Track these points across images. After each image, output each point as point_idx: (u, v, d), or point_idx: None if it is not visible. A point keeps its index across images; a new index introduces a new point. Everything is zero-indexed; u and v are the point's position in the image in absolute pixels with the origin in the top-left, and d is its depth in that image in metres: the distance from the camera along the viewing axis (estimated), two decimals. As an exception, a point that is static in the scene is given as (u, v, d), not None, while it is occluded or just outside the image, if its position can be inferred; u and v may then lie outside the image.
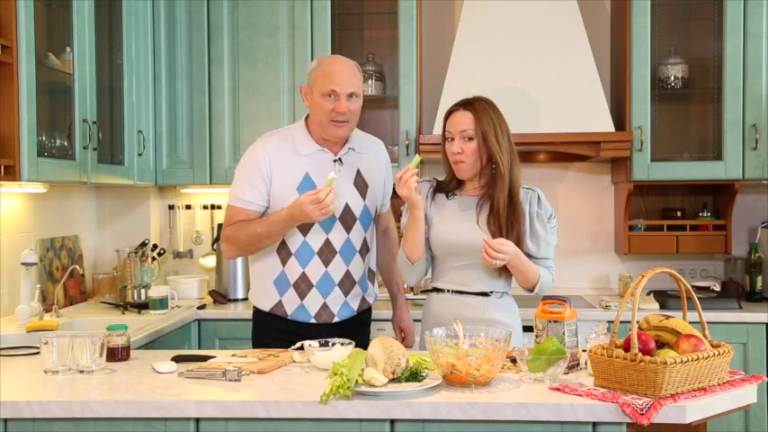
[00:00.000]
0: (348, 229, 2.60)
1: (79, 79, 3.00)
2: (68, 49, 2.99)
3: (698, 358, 1.87)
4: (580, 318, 2.27)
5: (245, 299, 3.82)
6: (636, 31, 3.63)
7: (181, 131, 3.81)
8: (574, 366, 2.12)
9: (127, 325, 2.40)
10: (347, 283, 2.61)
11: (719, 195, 3.87)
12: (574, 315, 2.19)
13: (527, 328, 2.65)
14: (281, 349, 2.41)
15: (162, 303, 3.35)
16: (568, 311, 2.17)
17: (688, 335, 1.97)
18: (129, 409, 1.91)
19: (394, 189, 2.57)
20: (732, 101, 3.60)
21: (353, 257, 2.62)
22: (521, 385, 2.00)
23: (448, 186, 2.59)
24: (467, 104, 2.51)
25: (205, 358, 2.29)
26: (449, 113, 2.56)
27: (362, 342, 2.46)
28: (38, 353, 2.32)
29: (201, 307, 3.59)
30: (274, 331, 2.64)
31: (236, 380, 2.05)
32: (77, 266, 3.50)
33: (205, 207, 4.14)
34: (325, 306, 2.60)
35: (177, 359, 2.28)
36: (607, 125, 3.57)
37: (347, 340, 2.24)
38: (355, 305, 2.66)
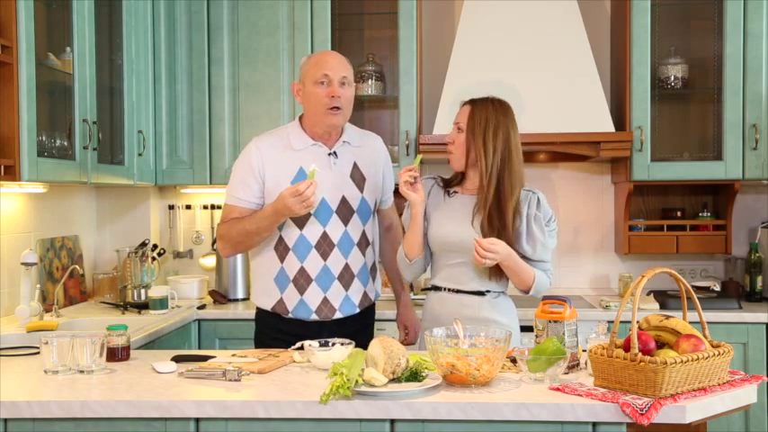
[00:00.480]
0: (345, 221, 2.61)
1: (79, 79, 3.00)
2: (68, 49, 2.99)
3: (698, 358, 1.87)
4: (580, 318, 2.27)
5: (246, 299, 3.82)
6: (636, 31, 3.63)
7: (181, 131, 3.81)
8: (574, 366, 2.12)
9: (127, 325, 2.40)
10: (347, 277, 2.62)
11: (719, 195, 3.87)
12: (574, 315, 2.19)
13: (525, 329, 2.65)
14: (281, 349, 2.41)
15: (162, 303, 3.35)
16: (568, 311, 2.17)
17: (688, 335, 1.97)
18: (129, 409, 1.91)
19: (396, 187, 2.59)
20: (732, 101, 3.60)
21: (352, 250, 2.62)
22: (521, 385, 2.00)
23: (451, 183, 2.62)
24: (473, 100, 2.54)
25: (205, 358, 2.29)
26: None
27: (366, 343, 2.46)
28: (38, 353, 2.32)
29: (201, 307, 3.59)
30: (276, 332, 2.64)
31: (236, 380, 2.05)
32: (77, 266, 3.50)
33: (205, 207, 4.14)
34: (325, 301, 2.60)
35: (177, 359, 2.28)
36: (607, 125, 3.57)
37: (347, 340, 2.24)
38: (357, 300, 2.65)
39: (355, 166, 2.66)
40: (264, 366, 2.17)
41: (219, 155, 3.78)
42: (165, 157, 3.81)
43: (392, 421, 1.91)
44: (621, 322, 2.52)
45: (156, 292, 3.36)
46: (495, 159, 2.44)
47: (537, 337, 2.21)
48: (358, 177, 2.65)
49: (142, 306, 3.41)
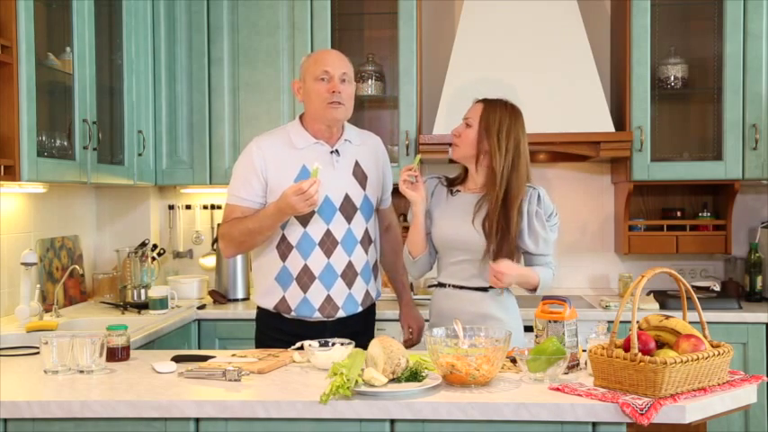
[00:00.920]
0: (349, 219, 2.61)
1: (79, 79, 3.00)
2: (68, 49, 2.99)
3: (698, 358, 1.87)
4: (580, 318, 2.27)
5: (246, 299, 3.82)
6: (636, 31, 3.63)
7: (181, 131, 3.81)
8: (574, 366, 2.12)
9: (127, 325, 2.40)
10: (350, 275, 2.62)
11: (719, 195, 3.87)
12: (574, 315, 2.19)
13: (527, 329, 2.65)
14: (281, 349, 2.41)
15: (162, 303, 3.35)
16: (568, 311, 2.17)
17: (688, 335, 1.97)
18: (129, 409, 1.91)
19: (395, 186, 2.60)
20: (732, 101, 3.60)
21: (355, 248, 2.62)
22: (520, 385, 2.00)
23: (454, 182, 2.66)
24: (486, 99, 2.59)
25: (205, 358, 2.29)
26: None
27: (367, 344, 2.45)
28: (38, 353, 2.32)
29: (201, 307, 3.59)
30: (277, 332, 2.63)
31: (236, 380, 2.05)
32: (77, 266, 3.50)
33: (205, 207, 4.14)
34: (329, 299, 2.59)
35: (177, 359, 2.28)
36: (607, 125, 3.57)
37: (347, 340, 2.25)
38: (359, 298, 2.65)
39: (357, 164, 2.66)
40: (264, 366, 2.17)
41: (219, 155, 3.78)
42: (165, 157, 3.81)
43: (392, 421, 1.91)
44: (621, 322, 2.52)
45: (155, 292, 3.36)
46: (506, 160, 2.49)
47: (537, 337, 2.22)
48: (360, 175, 2.66)
49: (142, 306, 3.41)
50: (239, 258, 3.81)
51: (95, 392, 1.99)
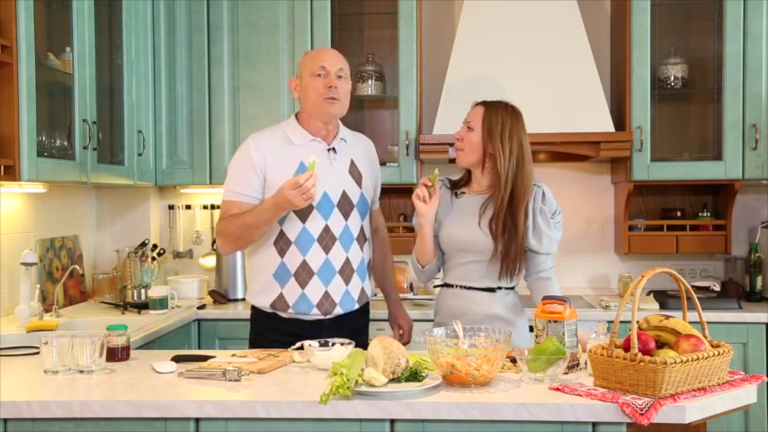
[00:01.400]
0: (346, 215, 2.62)
1: (79, 79, 3.00)
2: (68, 49, 2.98)
3: (698, 358, 1.87)
4: (580, 318, 2.27)
5: (246, 299, 3.82)
6: (636, 31, 3.63)
7: (181, 131, 3.81)
8: (574, 366, 2.12)
9: (127, 325, 2.40)
10: (347, 271, 2.62)
11: (719, 195, 3.87)
12: (574, 315, 2.19)
13: (531, 329, 2.65)
14: (281, 349, 2.40)
15: (162, 303, 3.35)
16: (568, 311, 2.17)
17: (688, 335, 1.97)
18: (129, 409, 1.91)
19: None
20: (732, 101, 3.60)
21: (352, 245, 2.64)
22: (520, 385, 2.00)
23: (459, 184, 2.68)
24: (486, 102, 2.61)
25: (205, 358, 2.29)
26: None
27: (363, 343, 2.46)
28: (38, 353, 2.32)
29: (201, 307, 3.59)
30: (273, 332, 2.63)
31: (236, 380, 2.05)
32: (77, 266, 3.50)
33: (205, 207, 4.14)
34: (326, 295, 2.59)
35: (177, 359, 2.28)
36: (607, 125, 3.57)
37: (347, 340, 2.25)
38: (356, 295, 2.66)
39: (352, 162, 2.68)
40: (264, 366, 2.17)
41: (219, 155, 3.78)
42: (165, 157, 3.81)
43: (392, 421, 1.91)
44: (621, 322, 2.52)
45: (155, 292, 3.36)
46: (511, 162, 2.52)
47: (537, 337, 2.21)
48: (356, 174, 2.68)
49: (142, 306, 3.41)
50: (239, 258, 3.81)
51: (95, 392, 1.99)
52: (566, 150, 3.63)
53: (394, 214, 4.06)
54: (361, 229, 2.68)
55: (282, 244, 2.59)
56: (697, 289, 3.59)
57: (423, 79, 3.88)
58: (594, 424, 1.87)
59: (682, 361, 1.84)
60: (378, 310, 3.01)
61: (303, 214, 2.56)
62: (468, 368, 1.94)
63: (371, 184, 2.75)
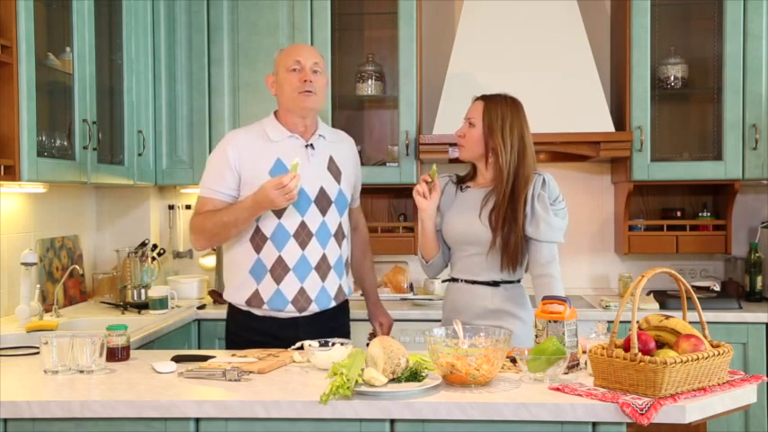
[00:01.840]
0: (323, 211, 2.63)
1: (79, 79, 3.00)
2: (68, 49, 2.98)
3: (698, 358, 1.87)
4: (580, 318, 2.27)
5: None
6: (636, 31, 3.63)
7: (181, 131, 3.81)
8: (574, 366, 2.12)
9: (127, 325, 2.40)
10: (324, 267, 2.63)
11: (719, 195, 3.87)
12: (574, 315, 2.19)
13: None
14: (281, 349, 2.40)
15: (162, 303, 3.35)
16: (568, 311, 2.17)
17: (688, 335, 1.97)
18: (129, 409, 1.91)
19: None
20: (732, 101, 3.60)
21: (329, 241, 2.64)
22: (520, 385, 2.00)
23: (465, 179, 2.70)
24: (485, 96, 2.62)
25: (205, 358, 2.29)
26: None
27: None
28: (38, 353, 2.32)
29: (201, 307, 3.59)
30: (249, 331, 2.63)
31: (236, 380, 2.06)
32: (77, 266, 3.50)
33: (205, 207, 4.13)
34: (302, 291, 2.60)
35: (177, 359, 2.28)
36: (607, 125, 3.57)
37: (347, 340, 2.25)
38: (333, 292, 2.66)
39: (331, 159, 2.69)
40: (264, 366, 2.17)
41: (219, 155, 3.77)
42: (165, 157, 3.81)
43: (392, 421, 1.91)
44: (621, 322, 2.52)
45: (155, 292, 3.36)
46: (512, 155, 2.53)
47: (537, 337, 2.21)
48: (334, 170, 2.69)
49: (142, 306, 3.40)
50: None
51: (95, 392, 1.99)
52: (566, 150, 3.63)
53: (394, 214, 4.06)
54: (340, 225, 2.68)
55: (258, 240, 2.59)
56: (697, 289, 3.59)
57: (423, 79, 3.88)
58: (594, 424, 1.87)
59: (682, 361, 1.84)
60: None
61: (279, 210, 2.56)
62: (468, 368, 1.94)
63: (351, 181, 2.76)
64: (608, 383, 1.93)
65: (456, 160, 3.38)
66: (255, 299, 2.61)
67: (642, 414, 1.78)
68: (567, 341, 2.14)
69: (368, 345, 2.19)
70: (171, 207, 4.12)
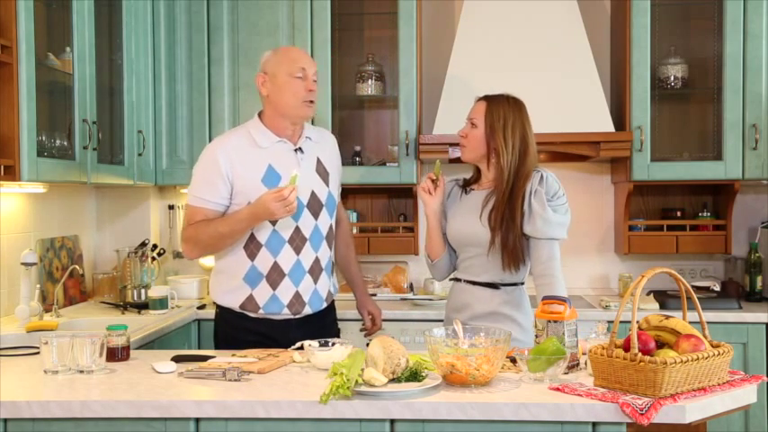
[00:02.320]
0: (316, 215, 2.63)
1: (79, 79, 3.00)
2: (68, 49, 2.98)
3: (698, 358, 1.87)
4: (580, 318, 2.27)
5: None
6: (636, 31, 3.63)
7: (181, 131, 3.81)
8: (574, 366, 2.12)
9: (127, 325, 2.40)
10: (316, 270, 2.64)
11: (719, 195, 3.87)
12: (574, 315, 2.19)
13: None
14: (281, 349, 2.41)
15: (162, 303, 3.35)
16: (568, 311, 2.17)
17: (688, 335, 1.97)
18: (129, 409, 1.91)
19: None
20: (732, 101, 3.60)
21: (321, 244, 2.66)
22: (520, 385, 2.00)
23: (470, 182, 2.71)
24: (488, 96, 2.62)
25: (205, 358, 2.29)
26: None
27: None
28: (38, 353, 2.32)
29: (201, 307, 3.59)
30: (243, 332, 2.63)
31: (236, 380, 2.06)
32: (77, 266, 3.50)
33: (205, 207, 4.13)
34: (297, 295, 2.61)
35: (177, 359, 2.28)
36: (607, 125, 3.57)
37: (347, 340, 2.25)
38: (324, 294, 2.68)
39: (319, 161, 2.69)
40: (264, 366, 2.17)
41: (219, 155, 3.77)
42: (165, 157, 3.81)
43: (392, 421, 1.91)
44: (621, 322, 2.52)
45: (155, 292, 3.36)
46: (513, 155, 2.53)
47: (537, 337, 2.21)
48: (322, 172, 2.69)
49: (142, 306, 3.40)
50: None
51: (95, 392, 1.99)
52: (566, 150, 3.63)
53: (394, 214, 4.06)
54: (330, 227, 2.70)
55: (253, 247, 2.59)
56: (697, 289, 3.59)
57: (423, 79, 3.89)
58: (594, 424, 1.87)
59: (682, 361, 1.84)
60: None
61: None
62: (468, 368, 1.94)
63: (337, 180, 2.77)
64: (608, 383, 1.93)
65: (456, 160, 3.38)
66: (250, 303, 2.61)
67: (642, 414, 1.79)
68: (566, 341, 2.14)
69: (366, 339, 2.20)
70: (171, 207, 4.12)
